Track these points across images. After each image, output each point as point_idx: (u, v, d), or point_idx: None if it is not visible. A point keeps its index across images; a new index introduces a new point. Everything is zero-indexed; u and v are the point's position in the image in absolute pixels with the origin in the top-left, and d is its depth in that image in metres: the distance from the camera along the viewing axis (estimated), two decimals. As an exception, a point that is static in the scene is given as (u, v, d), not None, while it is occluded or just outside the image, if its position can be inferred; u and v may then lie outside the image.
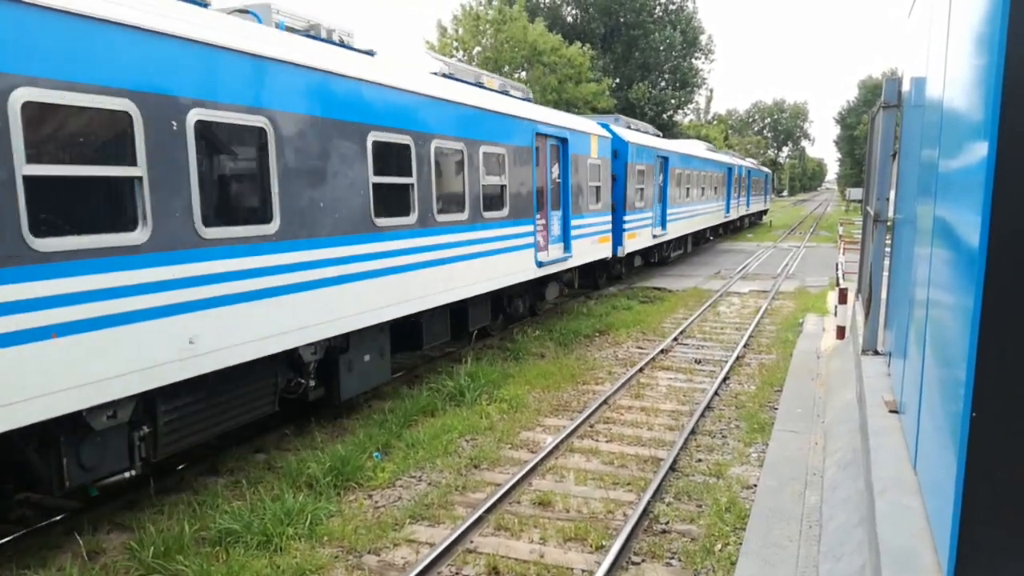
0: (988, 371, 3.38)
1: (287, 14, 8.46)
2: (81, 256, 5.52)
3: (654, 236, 22.65)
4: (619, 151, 18.97)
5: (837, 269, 17.78)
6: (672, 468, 7.87)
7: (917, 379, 5.23)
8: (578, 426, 9.11)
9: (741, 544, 6.14)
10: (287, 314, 7.57)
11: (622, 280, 22.12)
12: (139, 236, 5.96)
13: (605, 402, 10.16)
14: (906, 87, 8.29)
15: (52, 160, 5.38)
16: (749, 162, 49.62)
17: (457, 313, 11.84)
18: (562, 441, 8.60)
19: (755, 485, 7.42)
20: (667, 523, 6.71)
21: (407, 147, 9.60)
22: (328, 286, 8.15)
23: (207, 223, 6.57)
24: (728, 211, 37.51)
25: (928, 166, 5.52)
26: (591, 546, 6.26)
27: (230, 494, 7.17)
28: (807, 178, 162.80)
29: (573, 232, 15.49)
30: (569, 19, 55.34)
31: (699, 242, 33.03)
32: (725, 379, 11.49)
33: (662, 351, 13.32)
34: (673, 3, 58.86)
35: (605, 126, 18.80)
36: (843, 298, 12.88)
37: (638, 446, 8.64)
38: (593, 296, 19.08)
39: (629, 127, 21.46)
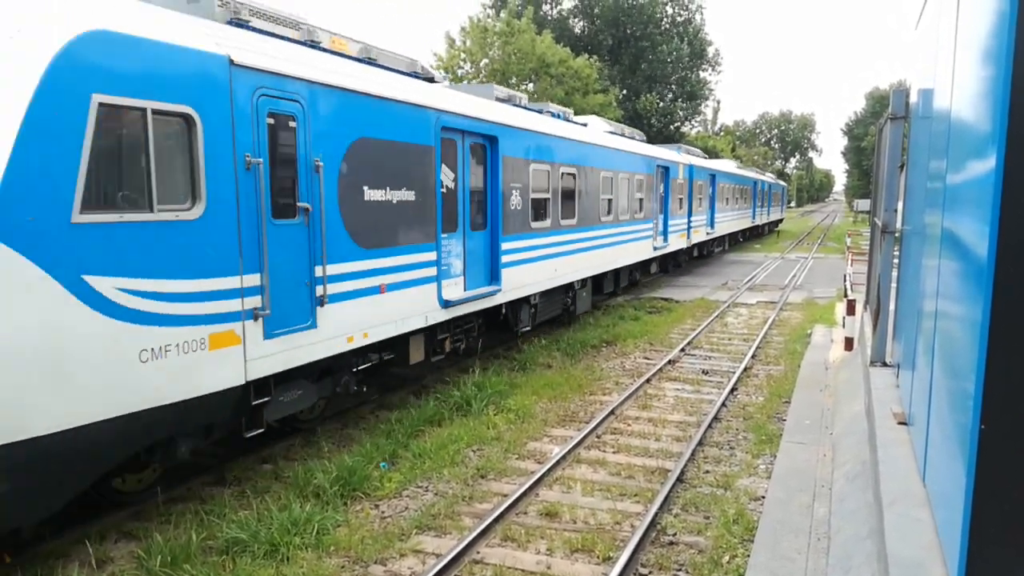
0: (997, 383, 3.37)
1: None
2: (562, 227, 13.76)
3: (707, 233, 29.80)
4: (688, 172, 25.92)
5: (845, 280, 17.74)
6: (679, 479, 7.85)
7: (926, 391, 5.21)
8: (585, 437, 9.09)
9: (749, 556, 6.11)
10: (570, 265, 14.89)
11: (681, 267, 26.92)
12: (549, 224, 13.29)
13: (612, 413, 10.14)
14: (913, 98, 8.30)
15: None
16: (768, 177, 56.28)
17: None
18: (569, 452, 8.58)
19: (763, 497, 7.39)
20: (674, 535, 6.69)
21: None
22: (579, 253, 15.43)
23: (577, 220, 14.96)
24: (754, 217, 44.44)
25: (936, 177, 5.52)
26: (598, 557, 6.24)
27: (237, 503, 7.18)
28: (814, 189, 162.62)
29: (670, 227, 23.19)
30: (577, 31, 55.55)
31: (734, 241, 40.18)
32: (733, 390, 11.46)
33: (669, 362, 13.29)
34: (680, 15, 59.05)
35: (676, 151, 26.51)
36: (851, 309, 12.85)
37: (645, 457, 8.62)
38: (601, 306, 19.06)
39: (689, 152, 28.48)
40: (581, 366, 13.05)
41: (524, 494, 7.35)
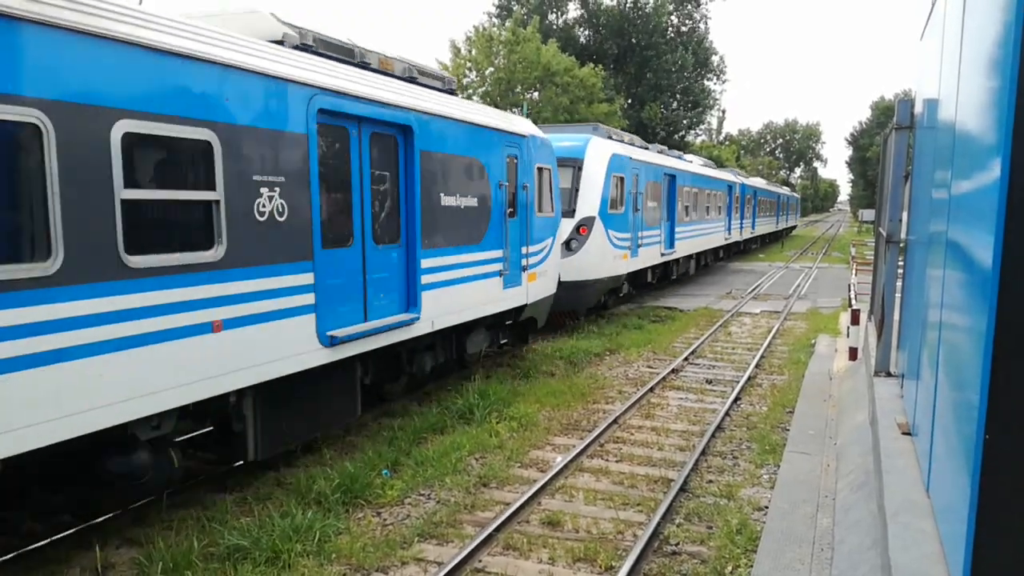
0: (1001, 393, 3.36)
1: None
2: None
3: (744, 234, 39.15)
4: (731, 188, 34.49)
5: (850, 290, 17.70)
6: (683, 489, 7.82)
7: (930, 401, 5.19)
8: (588, 445, 9.07)
9: (752, 567, 6.09)
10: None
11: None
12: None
13: (615, 421, 10.12)
14: (919, 108, 8.30)
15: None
16: (785, 190, 67.46)
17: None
18: (572, 460, 8.56)
19: (766, 507, 7.36)
20: (677, 544, 6.66)
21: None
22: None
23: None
24: (778, 223, 55.92)
25: (940, 187, 5.51)
26: (600, 567, 6.22)
27: (238, 510, 7.17)
28: (819, 199, 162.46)
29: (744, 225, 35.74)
30: (582, 40, 55.69)
31: (764, 241, 51.24)
32: (736, 399, 11.43)
33: (673, 371, 13.27)
34: (685, 25, 59.22)
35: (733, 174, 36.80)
36: (855, 319, 12.82)
37: (648, 466, 8.59)
38: (604, 315, 19.04)
39: (737, 173, 39.93)
40: (584, 374, 13.03)
41: (526, 503, 7.33)
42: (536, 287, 12.86)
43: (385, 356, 9.38)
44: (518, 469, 8.49)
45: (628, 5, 56.37)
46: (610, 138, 19.06)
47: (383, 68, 9.31)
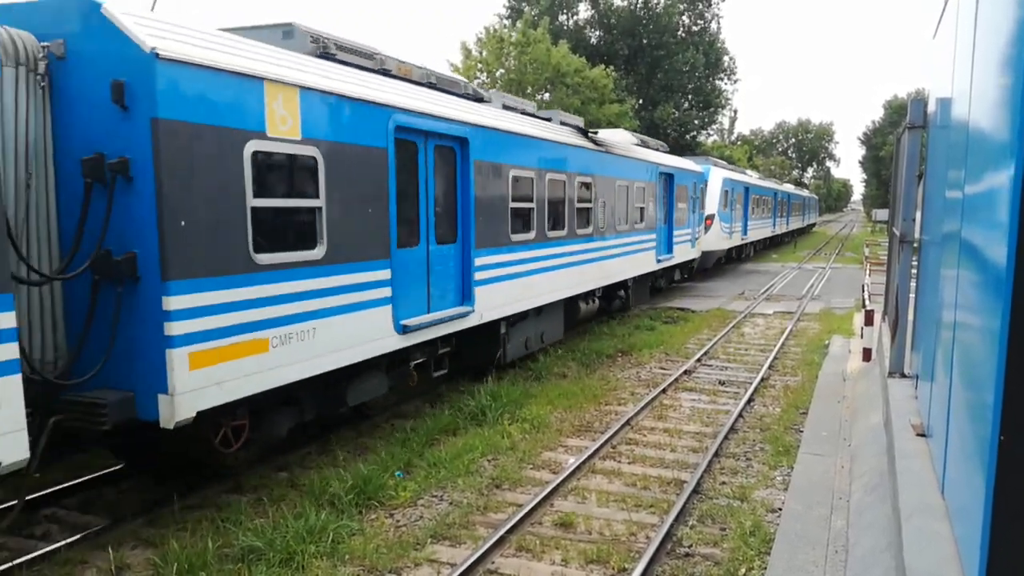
0: (1016, 394, 3.33)
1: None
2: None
3: (782, 228, 49.86)
4: (776, 194, 44.27)
5: (863, 290, 17.60)
6: (696, 490, 7.80)
7: (944, 402, 5.16)
8: (600, 447, 9.06)
9: (765, 569, 6.07)
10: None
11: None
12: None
13: (628, 423, 10.11)
14: (932, 108, 8.25)
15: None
16: (806, 192, 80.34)
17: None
18: (584, 462, 8.56)
19: (780, 509, 7.34)
20: (690, 546, 6.65)
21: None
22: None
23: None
24: (803, 220, 66.42)
25: (954, 187, 5.48)
26: (613, 568, 6.21)
27: (253, 511, 7.20)
28: (832, 199, 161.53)
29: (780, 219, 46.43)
30: (593, 41, 55.59)
31: (792, 236, 58.10)
32: (750, 401, 11.39)
33: (685, 372, 13.23)
34: (696, 25, 59.01)
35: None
36: (869, 320, 12.75)
37: (661, 468, 8.58)
38: (616, 316, 19.02)
39: (778, 182, 51.34)
40: (596, 376, 13.02)
41: (539, 504, 7.34)
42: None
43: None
44: (530, 471, 8.50)
45: (639, 5, 56.23)
46: (717, 166, 30.75)
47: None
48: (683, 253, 22.55)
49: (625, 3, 56.22)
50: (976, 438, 3.81)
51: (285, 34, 8.10)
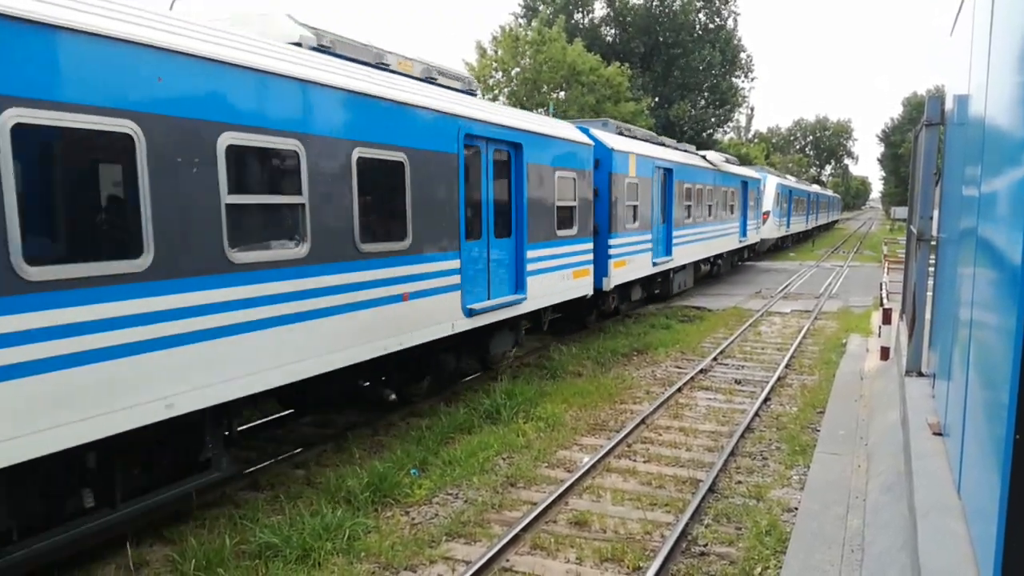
0: (1031, 393, 3.31)
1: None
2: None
3: (814, 223, 56.90)
4: (809, 195, 53.44)
5: (881, 289, 17.48)
6: (711, 489, 7.79)
7: (961, 401, 5.13)
8: (615, 445, 9.07)
9: (781, 568, 6.06)
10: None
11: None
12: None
13: (643, 422, 10.10)
14: (949, 105, 8.18)
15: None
16: (831, 192, 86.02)
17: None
18: (599, 460, 8.57)
19: (796, 508, 7.31)
20: (705, 545, 6.64)
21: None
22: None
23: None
24: (828, 216, 75.11)
25: (970, 184, 5.44)
26: (628, 567, 6.22)
27: (270, 508, 7.28)
28: (851, 196, 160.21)
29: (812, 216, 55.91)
30: (608, 39, 55.48)
31: (819, 231, 65.49)
32: (766, 400, 11.35)
33: (701, 371, 13.20)
34: (713, 22, 58.74)
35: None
36: (887, 318, 12.66)
37: (676, 467, 8.57)
38: (632, 315, 18.99)
39: (809, 185, 61.14)
40: (611, 375, 13.01)
41: (554, 502, 7.35)
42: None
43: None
44: (545, 469, 8.51)
45: (655, 3, 56.09)
46: (771, 174, 39.83)
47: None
48: (751, 237, 31.31)
49: (641, 1, 56.07)
50: (992, 437, 3.79)
51: (603, 124, 11.94)
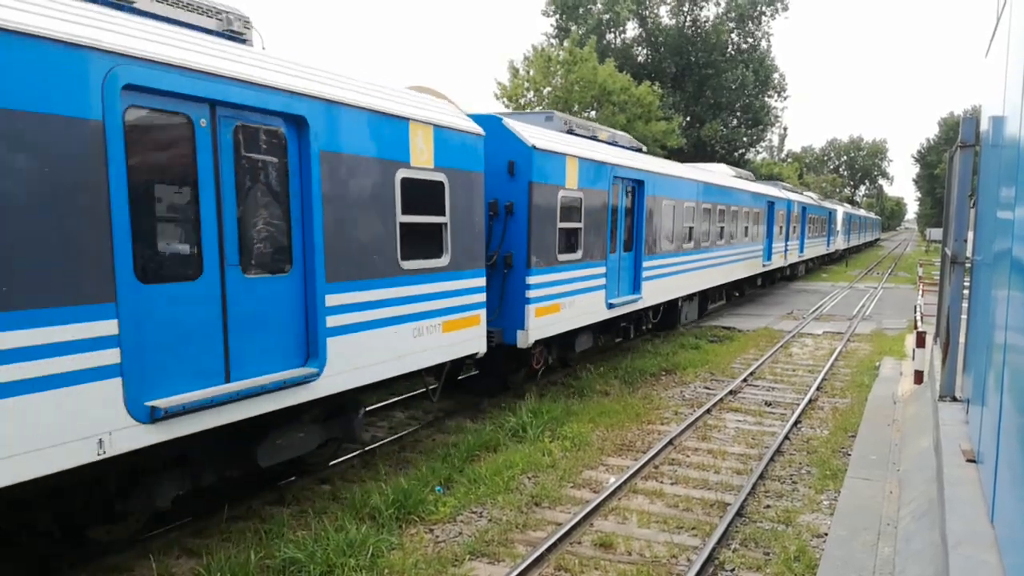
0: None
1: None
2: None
3: (854, 242, 63.23)
4: (849, 216, 57.02)
5: (916, 311, 17.19)
6: (739, 513, 7.69)
7: (995, 427, 5.02)
8: (642, 467, 8.99)
9: (809, 594, 5.95)
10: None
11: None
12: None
13: (671, 443, 10.01)
14: (984, 126, 8.08)
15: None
16: (872, 215, 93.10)
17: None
18: (625, 481, 8.50)
19: (826, 534, 7.19)
20: (733, 570, 6.55)
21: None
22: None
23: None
24: (869, 235, 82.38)
25: (1006, 206, 5.35)
26: (652, 590, 6.15)
27: (295, 523, 7.31)
28: (885, 217, 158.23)
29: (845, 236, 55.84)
30: (640, 59, 55.58)
31: (859, 250, 72.02)
32: (796, 423, 11.19)
33: (731, 392, 13.06)
34: (746, 43, 58.58)
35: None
36: (921, 341, 12.46)
37: (704, 489, 8.47)
38: (660, 335, 18.87)
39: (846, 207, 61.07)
40: (639, 395, 12.92)
41: (579, 523, 7.30)
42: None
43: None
44: (571, 489, 8.46)
45: (687, 24, 56.12)
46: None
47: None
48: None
49: (673, 22, 56.13)
50: (1026, 465, 3.71)
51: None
